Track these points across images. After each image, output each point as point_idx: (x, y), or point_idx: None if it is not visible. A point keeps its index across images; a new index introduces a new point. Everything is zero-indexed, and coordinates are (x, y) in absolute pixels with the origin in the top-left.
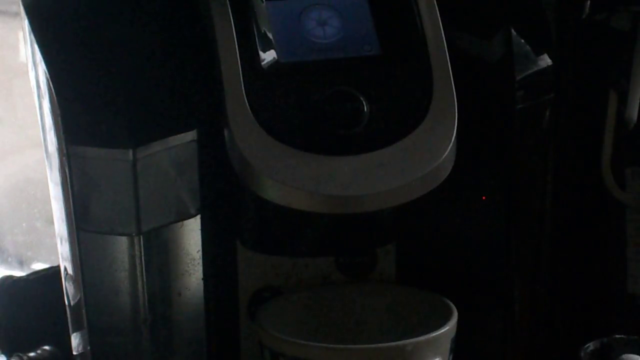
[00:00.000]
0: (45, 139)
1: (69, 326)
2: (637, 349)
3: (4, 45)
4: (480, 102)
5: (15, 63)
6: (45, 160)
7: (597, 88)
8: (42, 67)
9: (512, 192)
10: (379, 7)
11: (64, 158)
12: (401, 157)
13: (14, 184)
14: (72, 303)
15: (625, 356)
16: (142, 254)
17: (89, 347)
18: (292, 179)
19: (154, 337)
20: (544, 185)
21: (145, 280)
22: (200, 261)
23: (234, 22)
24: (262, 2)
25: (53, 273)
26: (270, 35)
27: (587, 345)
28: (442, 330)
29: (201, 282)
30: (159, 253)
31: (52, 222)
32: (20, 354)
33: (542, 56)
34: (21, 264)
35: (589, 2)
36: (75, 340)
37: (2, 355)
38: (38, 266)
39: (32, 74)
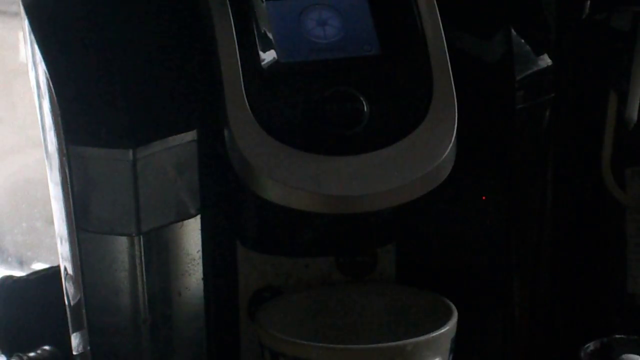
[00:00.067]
0: (45, 139)
1: (69, 326)
2: (637, 349)
3: (4, 45)
4: (480, 102)
5: (15, 63)
6: (45, 160)
7: (597, 88)
8: (42, 67)
9: (512, 192)
10: (379, 7)
11: (64, 158)
12: (401, 157)
13: (14, 184)
14: (72, 303)
15: (625, 356)
16: (142, 254)
17: (89, 347)
18: (292, 179)
19: (154, 337)
20: (544, 185)
21: (145, 280)
22: (200, 261)
23: (234, 22)
24: (262, 2)
25: (53, 273)
26: (270, 35)
27: (587, 345)
28: (442, 330)
29: (201, 282)
30: (159, 253)
31: (52, 222)
32: (20, 354)
33: (542, 56)
34: (21, 264)
35: (589, 2)
36: (75, 340)
37: (2, 355)
38: (38, 266)
39: (32, 74)
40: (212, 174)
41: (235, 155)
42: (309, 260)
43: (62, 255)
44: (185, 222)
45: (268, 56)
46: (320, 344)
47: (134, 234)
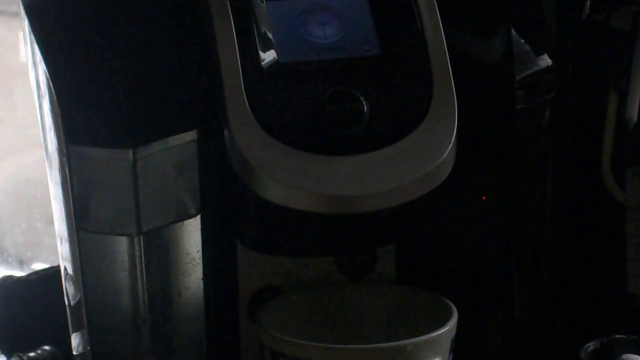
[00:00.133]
0: (45, 139)
1: (69, 326)
2: (637, 349)
3: (4, 45)
4: (480, 102)
5: (15, 63)
6: (45, 160)
7: (597, 88)
8: (42, 67)
9: (512, 192)
10: (379, 7)
11: (64, 158)
12: (401, 157)
13: (14, 184)
14: (72, 303)
15: (625, 356)
16: (142, 254)
17: (89, 347)
18: (292, 179)
19: (154, 337)
20: (544, 185)
21: (145, 280)
22: (200, 261)
23: (234, 22)
24: (262, 2)
25: (53, 273)
26: (270, 35)
27: (587, 345)
28: (442, 330)
29: (201, 282)
30: (159, 253)
31: (52, 222)
32: (20, 354)
33: (542, 56)
34: (21, 264)
35: (589, 2)
36: (75, 340)
37: (2, 355)
38: (38, 266)
39: (32, 74)
40: (212, 174)
41: (235, 155)
42: (309, 260)
43: (62, 255)
44: (185, 222)
45: (268, 56)
46: (320, 344)
47: (134, 234)
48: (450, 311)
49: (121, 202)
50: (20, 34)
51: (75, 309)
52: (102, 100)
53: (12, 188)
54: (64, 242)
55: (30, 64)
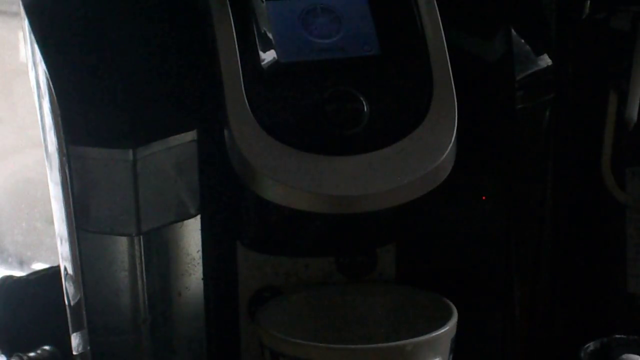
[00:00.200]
0: (45, 139)
1: (69, 326)
2: (637, 349)
3: (4, 45)
4: (480, 102)
5: (15, 63)
6: (45, 160)
7: (597, 88)
8: (42, 67)
9: (512, 192)
10: (379, 7)
11: (64, 158)
12: (401, 157)
13: (14, 184)
14: (72, 303)
15: (625, 356)
16: (142, 254)
17: (89, 347)
18: (292, 179)
19: (154, 337)
20: (544, 185)
21: (145, 280)
22: (200, 261)
23: (234, 22)
24: (262, 2)
25: (53, 273)
26: (270, 35)
27: (587, 345)
28: (442, 330)
29: (201, 282)
30: (159, 253)
31: (52, 222)
32: (20, 354)
33: (542, 56)
34: (21, 264)
35: (589, 2)
36: (75, 340)
37: (2, 355)
38: (38, 266)
39: (32, 74)
40: (212, 174)
41: (235, 155)
42: (309, 260)
43: (62, 255)
44: (185, 222)
45: (268, 56)
46: (320, 344)
47: (134, 234)
48: (450, 311)
49: (121, 202)
50: (20, 34)
51: (75, 309)
52: (102, 100)
53: (12, 188)
54: (64, 242)
55: (30, 64)
